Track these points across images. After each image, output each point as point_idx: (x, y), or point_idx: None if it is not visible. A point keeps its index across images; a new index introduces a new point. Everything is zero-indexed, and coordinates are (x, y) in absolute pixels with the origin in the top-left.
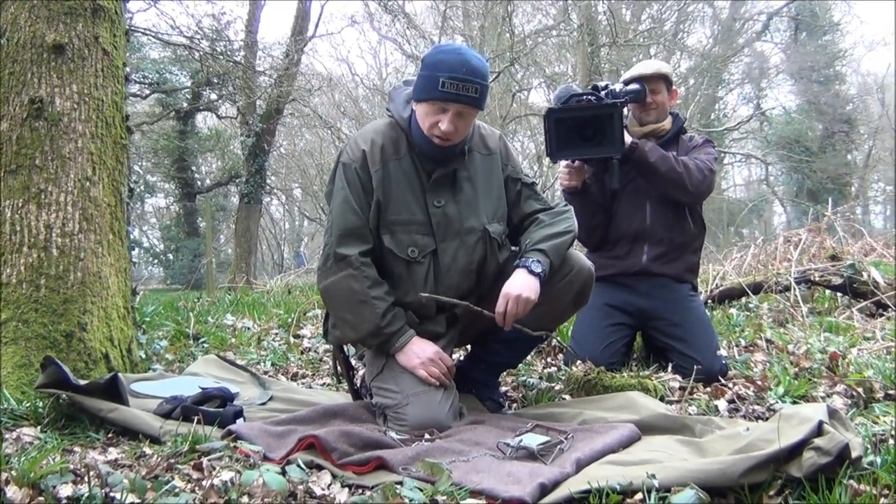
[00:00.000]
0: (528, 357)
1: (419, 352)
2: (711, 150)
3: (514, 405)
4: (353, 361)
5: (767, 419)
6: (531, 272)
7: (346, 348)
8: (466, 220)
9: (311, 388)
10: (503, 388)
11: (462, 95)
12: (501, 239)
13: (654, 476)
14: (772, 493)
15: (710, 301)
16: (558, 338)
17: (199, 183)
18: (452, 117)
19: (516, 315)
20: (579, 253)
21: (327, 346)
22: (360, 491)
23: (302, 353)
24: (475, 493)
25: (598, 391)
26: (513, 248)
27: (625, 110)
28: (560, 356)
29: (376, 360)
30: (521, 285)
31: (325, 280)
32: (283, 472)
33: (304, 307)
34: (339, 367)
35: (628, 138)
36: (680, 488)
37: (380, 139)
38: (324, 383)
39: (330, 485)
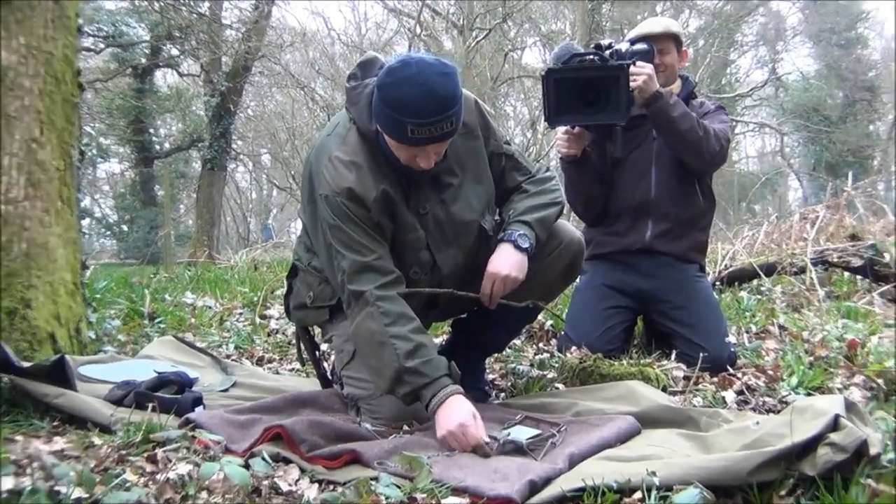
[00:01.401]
0: (518, 342)
1: (447, 418)
2: (725, 117)
3: (502, 395)
4: (323, 346)
5: (779, 412)
6: (518, 247)
7: (311, 330)
8: (457, 221)
9: (278, 373)
10: (490, 376)
11: (437, 136)
12: (493, 228)
13: (654, 473)
14: (783, 492)
15: (718, 283)
16: (550, 312)
17: (157, 147)
18: (429, 154)
19: (502, 294)
20: (567, 223)
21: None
22: (330, 487)
23: (269, 335)
24: (458, 491)
25: (595, 380)
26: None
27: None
28: (553, 342)
29: (347, 345)
30: (508, 263)
31: (352, 323)
32: (247, 466)
33: (272, 285)
34: (304, 351)
35: (647, 92)
36: (683, 487)
37: (362, 160)
38: (292, 369)
39: (298, 480)
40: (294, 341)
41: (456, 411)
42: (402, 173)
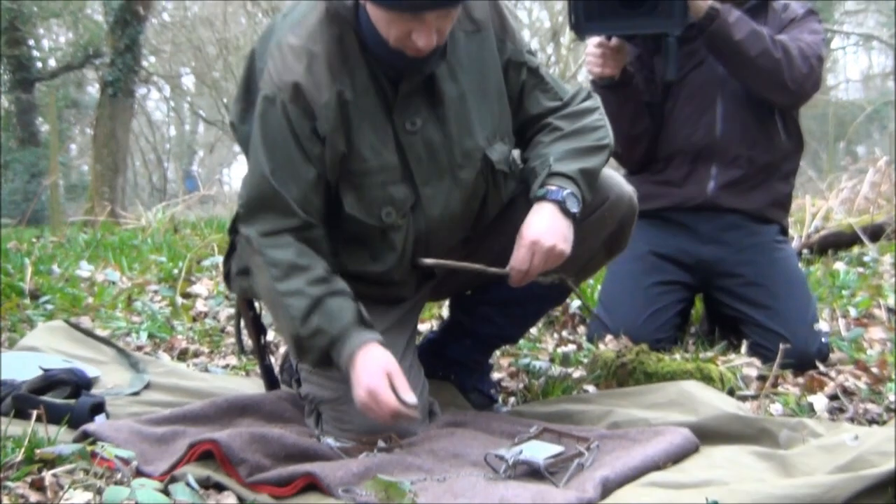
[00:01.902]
0: (534, 330)
1: (356, 384)
2: (817, 26)
3: (512, 400)
4: (271, 335)
5: (885, 423)
6: (565, 211)
7: (257, 305)
8: (457, 146)
9: (207, 371)
10: (496, 375)
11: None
12: (510, 165)
13: (716, 503)
14: None
15: (806, 251)
16: (578, 294)
17: (39, 65)
18: (429, 27)
19: (541, 272)
20: (614, 173)
21: (231, 311)
22: None
23: (194, 319)
24: None
25: (638, 380)
26: (519, 162)
27: None
28: (581, 329)
29: None
30: (553, 231)
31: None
32: (166, 493)
33: (199, 253)
34: (244, 336)
35: (699, 6)
36: None
37: (320, 48)
38: (227, 365)
39: None
40: (231, 327)
41: (362, 373)
42: (388, 67)
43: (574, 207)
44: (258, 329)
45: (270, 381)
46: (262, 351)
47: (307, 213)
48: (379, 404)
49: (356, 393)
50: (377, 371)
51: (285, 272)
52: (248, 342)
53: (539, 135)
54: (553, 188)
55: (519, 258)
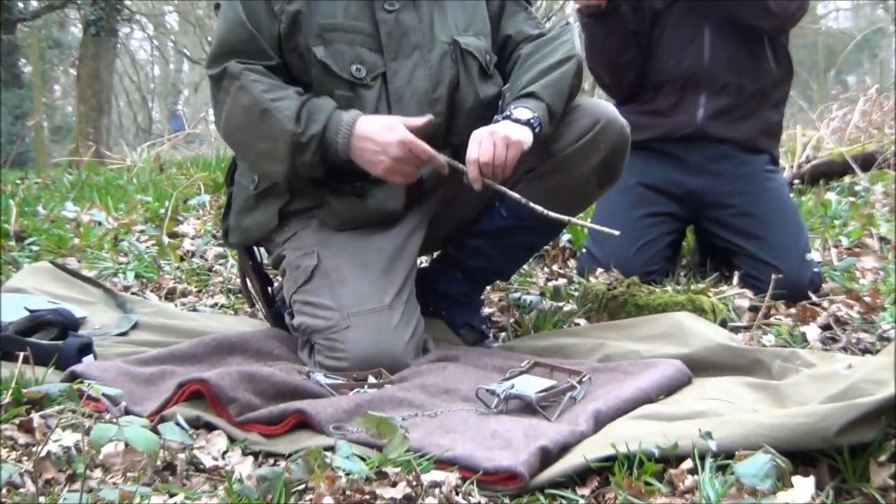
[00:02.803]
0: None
1: (378, 139)
2: None
3: (503, 335)
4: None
5: (878, 352)
6: (514, 120)
7: (257, 252)
8: (428, 31)
9: (196, 310)
10: (487, 310)
11: None
12: (484, 59)
13: (709, 434)
14: (882, 457)
15: (797, 181)
16: (569, 232)
17: (20, 5)
18: None
19: (500, 167)
20: (602, 101)
21: (219, 250)
22: (270, 461)
23: (182, 259)
24: (443, 464)
25: (629, 313)
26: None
27: None
28: (571, 263)
29: (305, 259)
30: (510, 127)
31: (220, 117)
32: (155, 433)
33: (185, 192)
34: (249, 284)
35: None
36: (748, 452)
37: None
38: (215, 304)
39: (225, 452)
40: (218, 267)
41: (380, 130)
42: None
43: (524, 115)
44: (263, 279)
45: (274, 321)
46: (268, 299)
47: (279, 60)
48: (415, 149)
49: (386, 150)
50: (392, 123)
51: (270, 87)
52: (252, 289)
53: (517, 64)
54: (514, 110)
55: (470, 149)
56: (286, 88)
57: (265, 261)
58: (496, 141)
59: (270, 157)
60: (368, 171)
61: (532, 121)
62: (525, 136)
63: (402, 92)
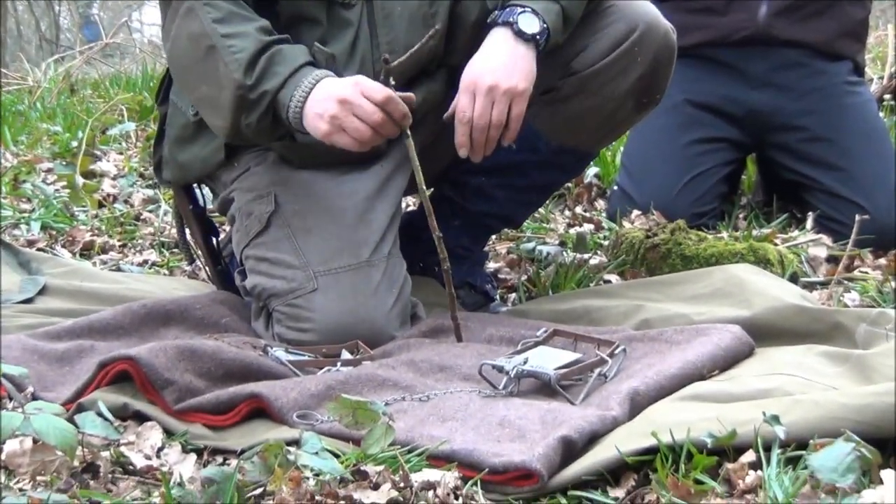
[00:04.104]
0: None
1: (323, 98)
2: None
3: (514, 296)
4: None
5: None
6: (518, 34)
7: (199, 194)
8: None
9: (119, 269)
10: (492, 265)
11: None
12: None
13: (776, 419)
14: None
15: (887, 96)
16: (597, 164)
17: None
18: None
19: (497, 127)
20: (644, 1)
21: (149, 193)
22: (218, 459)
23: (101, 205)
24: (439, 460)
25: (674, 266)
26: None
27: None
28: (599, 203)
29: (257, 204)
30: (496, 64)
31: (166, 40)
32: (73, 426)
33: (103, 120)
34: (188, 235)
35: None
36: (825, 440)
37: None
38: (144, 262)
39: (161, 448)
40: (146, 216)
41: (330, 85)
42: None
43: (532, 27)
44: (206, 228)
45: (220, 280)
46: (213, 254)
47: None
48: (366, 91)
49: (327, 106)
50: (350, 79)
51: (227, 15)
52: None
53: None
54: (507, 10)
55: (458, 106)
56: (248, 21)
57: (209, 205)
58: (497, 97)
59: (211, 106)
60: (315, 135)
61: (540, 36)
62: (526, 78)
63: (390, 8)
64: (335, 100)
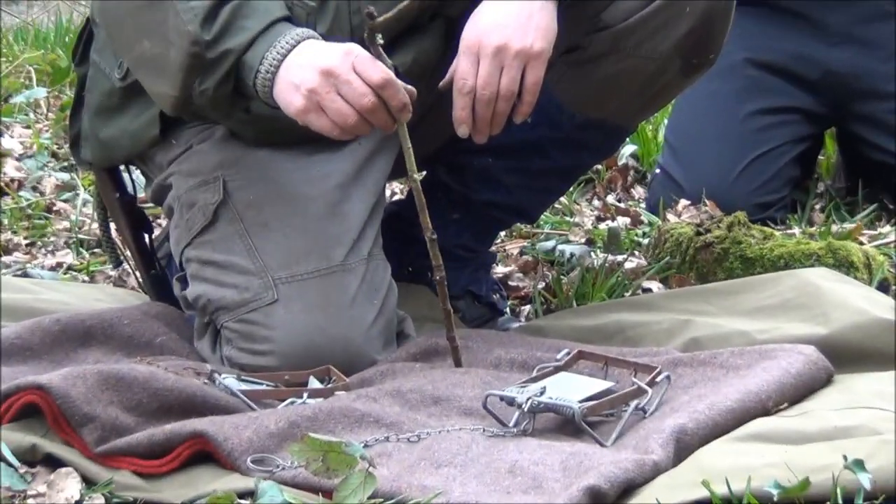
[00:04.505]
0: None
1: (303, 65)
2: None
3: (528, 308)
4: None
5: None
6: None
7: (127, 179)
8: None
9: (26, 275)
10: (502, 270)
11: None
12: None
13: (861, 464)
14: None
15: None
16: (634, 142)
17: None
18: None
19: (507, 98)
20: None
21: (64, 177)
22: None
23: (2, 193)
24: None
25: (732, 271)
26: None
27: None
28: (637, 191)
29: (200, 193)
30: (505, 18)
31: None
32: None
33: (7, 85)
34: (113, 231)
35: None
36: None
37: None
38: (59, 264)
39: (80, 501)
40: (61, 206)
41: (318, 52)
42: None
43: None
44: (136, 222)
45: (153, 285)
46: (145, 255)
47: None
48: (360, 66)
49: (306, 76)
50: (340, 46)
51: None
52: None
53: None
54: None
55: (457, 72)
56: None
57: (140, 193)
58: (506, 60)
59: (155, 68)
60: (286, 111)
61: None
62: (544, 37)
63: None
64: (318, 69)
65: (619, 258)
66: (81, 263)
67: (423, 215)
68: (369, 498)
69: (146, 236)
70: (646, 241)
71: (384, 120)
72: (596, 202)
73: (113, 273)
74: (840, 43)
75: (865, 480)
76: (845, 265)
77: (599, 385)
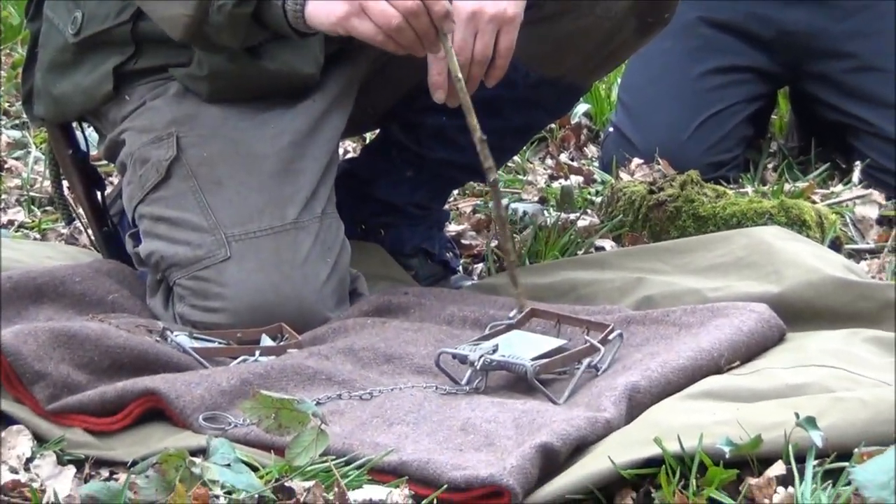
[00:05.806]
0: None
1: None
2: None
3: (481, 266)
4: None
5: None
6: None
7: (80, 135)
8: None
9: None
10: (455, 228)
11: None
12: None
13: (812, 422)
14: None
15: None
16: (587, 101)
17: None
18: None
19: (481, 63)
20: None
21: (15, 135)
22: (103, 473)
23: None
24: (384, 473)
25: (685, 229)
26: None
27: None
28: (590, 149)
29: (154, 148)
30: None
31: None
32: None
33: None
34: (65, 187)
35: None
36: (874, 448)
37: None
38: (10, 222)
39: (31, 459)
40: (13, 164)
41: None
42: None
43: None
44: (89, 179)
45: (105, 243)
46: (98, 212)
47: None
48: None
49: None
50: None
51: None
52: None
53: None
54: None
55: (455, 43)
56: None
57: (93, 150)
58: (480, 25)
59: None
60: (325, 22)
61: None
62: (517, 4)
63: None
64: None
65: (572, 216)
66: (33, 221)
67: (470, 116)
68: (321, 455)
69: (99, 193)
70: (599, 199)
71: (426, 26)
72: (549, 161)
73: (65, 231)
74: (795, 2)
75: (817, 438)
76: (798, 224)
77: (552, 343)
